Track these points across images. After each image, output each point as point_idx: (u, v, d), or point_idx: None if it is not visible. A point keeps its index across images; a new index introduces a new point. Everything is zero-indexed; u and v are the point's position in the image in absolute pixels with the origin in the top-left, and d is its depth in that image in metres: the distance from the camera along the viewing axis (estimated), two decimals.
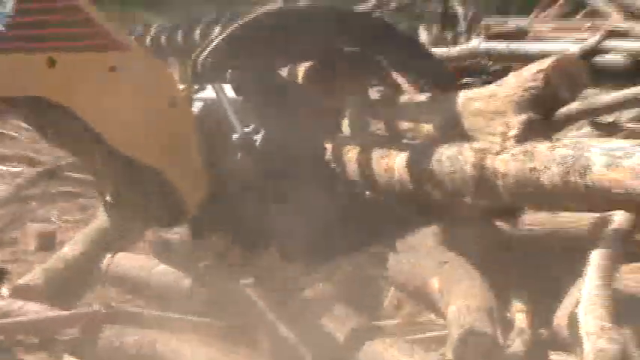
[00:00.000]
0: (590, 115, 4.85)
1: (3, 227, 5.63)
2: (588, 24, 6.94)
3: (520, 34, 7.30)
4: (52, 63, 2.82)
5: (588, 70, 3.88)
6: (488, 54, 7.06)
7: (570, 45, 6.30)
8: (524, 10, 9.24)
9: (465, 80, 5.91)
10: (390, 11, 10.37)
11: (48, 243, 5.34)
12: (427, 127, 4.04)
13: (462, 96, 3.88)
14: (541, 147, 3.31)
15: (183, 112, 3.33)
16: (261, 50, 3.58)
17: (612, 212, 3.48)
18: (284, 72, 4.13)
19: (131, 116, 3.08)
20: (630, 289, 3.46)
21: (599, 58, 6.06)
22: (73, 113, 2.95)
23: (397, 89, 4.47)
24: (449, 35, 9.04)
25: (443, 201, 3.78)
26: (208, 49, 3.52)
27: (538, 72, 3.57)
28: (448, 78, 4.33)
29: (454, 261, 3.82)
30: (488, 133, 3.64)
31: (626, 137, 4.41)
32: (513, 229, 4.06)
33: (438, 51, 7.15)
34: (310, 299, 4.14)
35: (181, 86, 3.59)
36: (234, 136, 3.42)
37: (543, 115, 3.57)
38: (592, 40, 6.17)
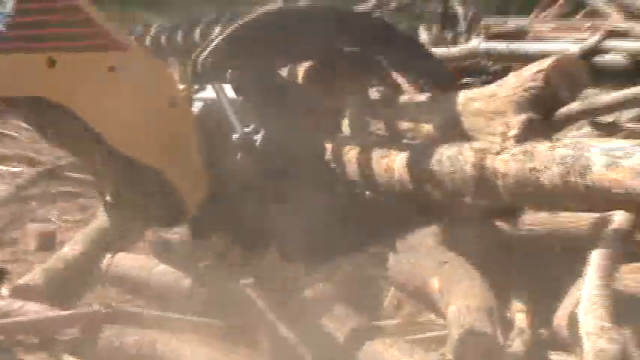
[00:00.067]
0: (590, 115, 4.84)
1: (3, 227, 5.64)
2: (588, 24, 6.93)
3: (520, 34, 7.30)
4: (52, 63, 2.82)
5: (588, 70, 3.88)
6: (488, 54, 7.07)
7: (570, 45, 6.29)
8: (524, 10, 9.24)
9: (465, 80, 5.92)
10: (390, 11, 10.37)
11: (48, 243, 5.34)
12: (427, 127, 4.05)
13: (462, 96, 3.88)
14: (541, 147, 3.31)
15: (183, 112, 3.33)
16: (261, 50, 3.58)
17: (612, 212, 3.48)
18: (284, 72, 4.13)
19: (131, 116, 3.08)
20: (630, 289, 3.46)
21: (599, 58, 6.06)
22: (72, 113, 2.94)
23: (397, 89, 4.48)
24: (449, 35, 9.04)
25: (443, 201, 3.78)
26: (208, 49, 3.52)
27: (538, 72, 3.58)
28: (448, 78, 4.34)
29: (454, 261, 3.82)
30: (488, 133, 3.65)
31: (626, 137, 4.41)
32: (513, 229, 4.06)
33: (438, 51, 7.15)
34: (310, 299, 4.13)
35: (181, 86, 3.58)
36: (234, 136, 3.42)
37: (543, 115, 3.57)
38: (592, 40, 6.17)
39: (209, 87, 3.55)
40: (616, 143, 3.18)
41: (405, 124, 4.19)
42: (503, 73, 6.50)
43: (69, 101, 2.92)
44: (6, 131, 7.33)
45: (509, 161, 3.39)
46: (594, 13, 7.56)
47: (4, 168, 6.76)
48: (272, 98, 3.56)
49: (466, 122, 3.79)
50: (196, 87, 3.64)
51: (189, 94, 3.58)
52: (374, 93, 4.53)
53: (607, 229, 3.48)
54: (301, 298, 4.12)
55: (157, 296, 4.39)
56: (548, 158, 3.22)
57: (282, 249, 3.59)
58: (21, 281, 4.46)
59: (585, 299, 3.12)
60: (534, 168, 3.27)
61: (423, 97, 4.21)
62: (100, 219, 4.99)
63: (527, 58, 6.51)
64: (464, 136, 3.74)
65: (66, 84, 2.87)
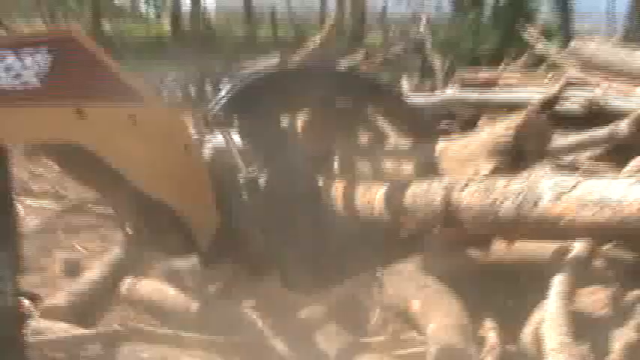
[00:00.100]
0: (552, 155, 4.90)
1: (33, 255, 5.62)
2: (549, 75, 7.04)
3: (490, 84, 7.38)
4: (81, 114, 2.85)
5: (550, 116, 3.95)
6: (462, 102, 7.13)
7: (534, 94, 6.37)
8: (494, 63, 9.37)
9: (441, 125, 5.97)
10: (375, 64, 10.48)
11: (73, 269, 5.33)
12: (408, 168, 4.09)
13: (441, 144, 3.94)
14: (499, 182, 3.36)
15: (196, 156, 3.36)
16: (264, 104, 3.63)
17: (572, 242, 3.52)
18: (284, 121, 4.18)
19: (149, 159, 3.10)
20: (588, 309, 3.48)
21: (559, 106, 6.13)
22: (98, 156, 2.99)
23: (383, 135, 4.53)
24: (427, 84, 9.12)
25: (417, 231, 3.80)
26: (219, 102, 3.56)
27: (508, 128, 3.64)
28: (427, 124, 4.40)
29: (433, 285, 3.85)
30: (460, 173, 3.69)
31: (582, 174, 4.45)
32: (485, 255, 4.09)
33: (418, 98, 7.23)
34: (305, 319, 4.14)
35: (194, 132, 3.62)
36: (240, 177, 3.45)
37: (510, 163, 3.63)
38: (553, 89, 6.25)
39: (218, 134, 3.59)
40: (563, 178, 3.21)
41: (388, 165, 4.23)
42: (475, 118, 6.61)
43: (95, 146, 2.95)
44: (36, 170, 7.33)
45: (472, 195, 3.43)
46: (554, 66, 7.67)
47: (35, 202, 6.76)
48: (273, 144, 3.61)
49: (442, 165, 3.84)
50: (207, 133, 3.68)
51: (201, 139, 3.62)
52: (363, 138, 4.57)
53: (567, 257, 3.50)
54: (297, 318, 4.12)
55: (170, 316, 4.39)
56: (505, 192, 3.27)
57: (283, 276, 3.61)
58: (49, 303, 4.45)
59: (549, 318, 3.15)
60: (493, 202, 3.31)
61: (406, 143, 4.26)
62: (119, 247, 5.00)
63: (497, 106, 6.64)
64: (440, 176, 3.78)
65: (93, 132, 2.90)
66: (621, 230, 2.96)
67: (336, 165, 4.51)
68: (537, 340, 3.22)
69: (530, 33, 9.35)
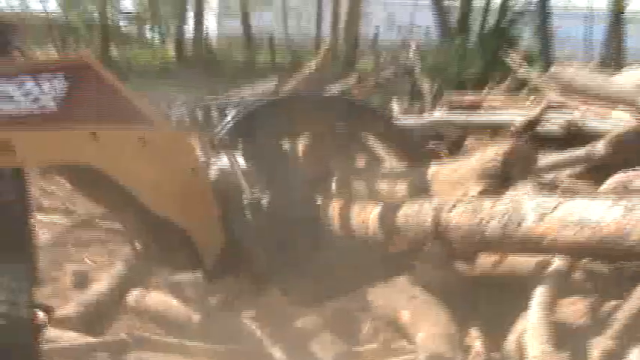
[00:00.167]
0: (534, 173, 4.93)
1: (45, 268, 5.62)
2: (531, 98, 7.08)
3: (475, 107, 7.42)
4: (94, 137, 2.87)
5: (531, 137, 3.98)
6: (449, 123, 7.16)
7: (517, 116, 6.39)
8: (479, 87, 9.43)
9: (430, 146, 6.00)
10: (367, 87, 10.52)
11: (82, 281, 5.33)
12: (401, 189, 4.12)
13: (433, 167, 3.98)
14: (486, 203, 3.40)
15: (202, 177, 3.36)
16: (267, 129, 3.66)
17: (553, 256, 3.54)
18: (286, 145, 4.21)
19: (158, 179, 3.11)
20: (568, 318, 3.51)
21: (540, 128, 6.17)
22: (110, 176, 3.00)
23: (378, 158, 4.56)
24: (416, 107, 9.15)
25: (409, 249, 3.83)
26: (224, 126, 3.58)
27: (497, 154, 3.68)
28: (416, 146, 4.44)
29: (422, 296, 3.87)
30: (451, 195, 3.73)
31: (562, 193, 4.49)
32: (471, 269, 4.11)
33: (408, 120, 7.26)
34: (302, 328, 4.15)
35: (201, 154, 3.63)
36: (244, 197, 3.46)
37: (497, 185, 3.67)
38: (534, 112, 6.28)
39: (224, 156, 3.61)
40: (545, 199, 3.25)
41: (383, 186, 4.26)
42: (461, 139, 6.65)
43: (107, 167, 2.97)
44: (48, 187, 7.34)
45: (460, 215, 3.47)
46: (536, 90, 7.72)
47: (46, 218, 6.77)
48: (276, 166, 3.63)
49: (434, 187, 3.88)
50: (213, 156, 3.69)
51: (207, 162, 3.64)
52: (360, 161, 4.61)
53: (549, 269, 3.51)
54: (295, 328, 4.13)
55: (174, 326, 4.40)
56: (491, 213, 3.31)
57: (283, 289, 3.62)
58: (60, 314, 4.45)
59: (531, 327, 3.17)
60: (480, 221, 3.35)
61: (400, 165, 4.30)
62: (126, 261, 5.00)
63: (482, 127, 6.69)
64: (431, 197, 3.82)
65: (105, 154, 2.92)
66: (600, 249, 3.01)
67: (334, 186, 4.54)
68: (520, 348, 3.24)
69: (513, 58, 9.42)
